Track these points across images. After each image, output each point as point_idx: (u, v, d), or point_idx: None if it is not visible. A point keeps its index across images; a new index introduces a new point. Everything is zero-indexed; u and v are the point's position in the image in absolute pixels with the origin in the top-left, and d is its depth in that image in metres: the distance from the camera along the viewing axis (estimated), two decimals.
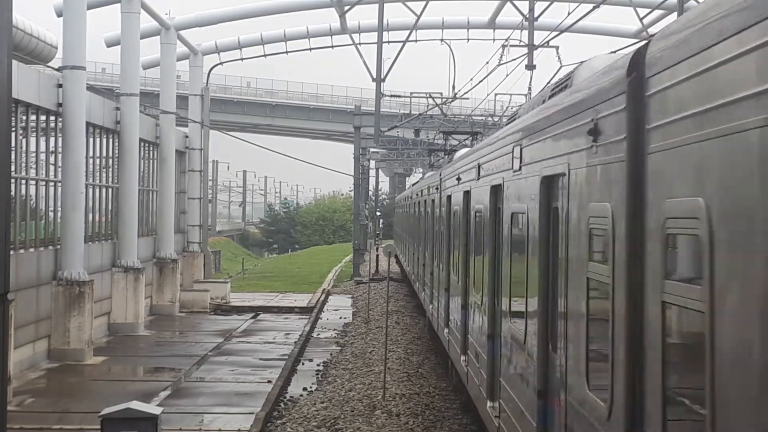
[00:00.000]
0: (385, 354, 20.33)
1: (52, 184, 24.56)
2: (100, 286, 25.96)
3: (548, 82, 10.78)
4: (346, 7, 39.60)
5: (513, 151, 9.63)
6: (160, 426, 12.31)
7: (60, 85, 23.66)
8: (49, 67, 29.55)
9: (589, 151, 6.46)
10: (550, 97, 9.02)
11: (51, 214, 24.72)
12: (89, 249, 25.46)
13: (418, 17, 37.89)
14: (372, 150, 54.61)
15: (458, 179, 15.14)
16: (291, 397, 19.29)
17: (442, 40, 44.23)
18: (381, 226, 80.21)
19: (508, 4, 37.57)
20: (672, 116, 4.78)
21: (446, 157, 28.55)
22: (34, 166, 23.94)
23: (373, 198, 76.24)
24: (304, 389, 20.13)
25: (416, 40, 43.03)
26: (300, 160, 41.80)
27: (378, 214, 74.28)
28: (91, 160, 27.15)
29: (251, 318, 33.09)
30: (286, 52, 45.51)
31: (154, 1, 33.52)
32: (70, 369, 21.86)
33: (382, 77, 37.61)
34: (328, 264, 63.34)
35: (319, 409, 17.75)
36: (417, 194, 25.23)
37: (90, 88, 26.89)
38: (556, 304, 7.64)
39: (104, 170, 29.10)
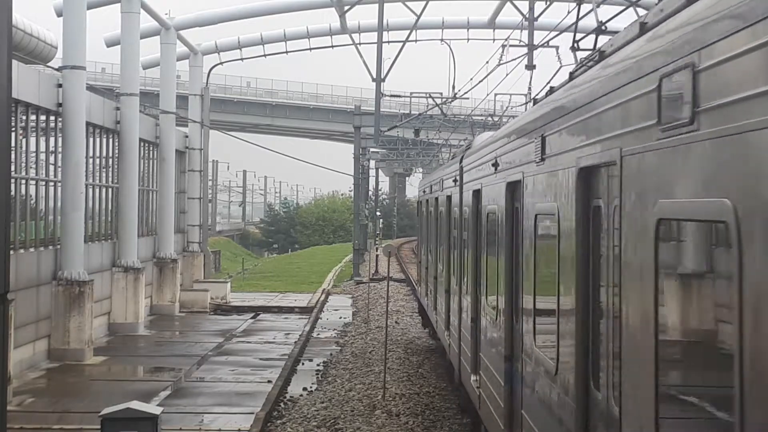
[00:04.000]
0: (384, 354, 20.34)
1: (52, 183, 24.56)
2: (100, 286, 25.96)
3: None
4: (346, 7, 39.59)
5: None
6: (160, 426, 12.31)
7: (60, 85, 23.66)
8: (49, 66, 29.57)
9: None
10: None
11: (51, 214, 24.72)
12: (89, 249, 25.46)
13: (418, 17, 37.90)
14: (372, 150, 54.58)
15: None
16: (291, 397, 19.29)
17: (442, 40, 44.20)
18: (381, 226, 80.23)
19: (508, 4, 37.58)
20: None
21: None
22: (34, 166, 23.95)
23: (373, 198, 76.23)
24: (304, 389, 20.13)
25: (416, 40, 43.05)
26: (300, 160, 41.84)
27: (378, 214, 74.28)
28: (91, 160, 27.15)
29: (251, 318, 33.09)
30: (286, 52, 45.51)
31: (154, 1, 33.55)
32: (70, 369, 21.87)
33: (382, 77, 37.61)
34: (328, 264, 63.35)
35: (319, 409, 17.76)
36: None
37: (90, 87, 26.90)
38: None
39: (104, 170, 29.10)
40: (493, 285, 11.68)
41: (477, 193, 13.38)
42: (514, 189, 9.98)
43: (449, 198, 18.05)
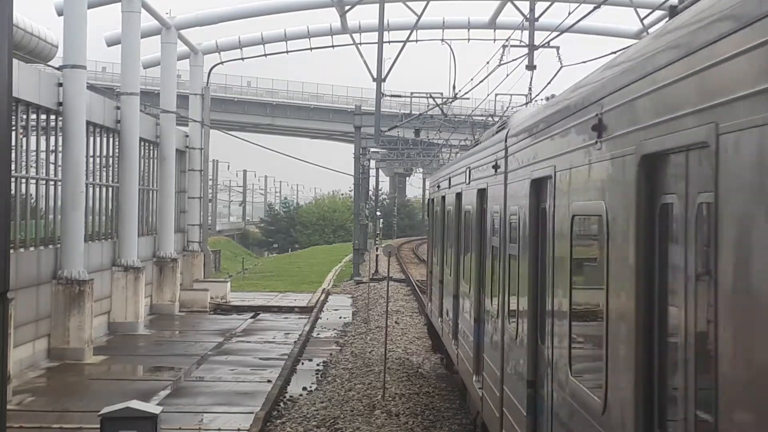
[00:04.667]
0: (384, 354, 20.33)
1: (52, 183, 24.56)
2: (100, 285, 25.96)
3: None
4: (347, 7, 39.57)
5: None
6: (160, 425, 12.31)
7: (60, 84, 23.65)
8: (49, 66, 29.55)
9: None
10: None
11: (51, 213, 24.71)
12: (89, 248, 25.45)
13: (419, 17, 37.87)
14: (372, 150, 54.59)
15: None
16: (291, 396, 19.28)
17: (442, 40, 44.17)
18: (381, 225, 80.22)
19: (509, 4, 37.56)
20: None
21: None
22: (34, 165, 23.94)
23: (374, 198, 76.23)
24: (304, 389, 20.12)
25: (417, 40, 43.01)
26: (300, 160, 41.87)
27: (378, 214, 74.28)
28: (91, 159, 27.15)
29: (251, 317, 33.09)
30: (287, 52, 45.47)
31: (155, 1, 33.53)
32: (70, 368, 21.86)
33: (383, 77, 37.59)
34: (328, 264, 63.35)
35: (318, 409, 17.75)
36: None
37: (90, 87, 26.90)
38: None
39: (104, 169, 29.09)
40: (583, 332, 7.15)
41: (539, 184, 8.98)
42: (654, 167, 5.20)
43: (481, 192, 13.59)
